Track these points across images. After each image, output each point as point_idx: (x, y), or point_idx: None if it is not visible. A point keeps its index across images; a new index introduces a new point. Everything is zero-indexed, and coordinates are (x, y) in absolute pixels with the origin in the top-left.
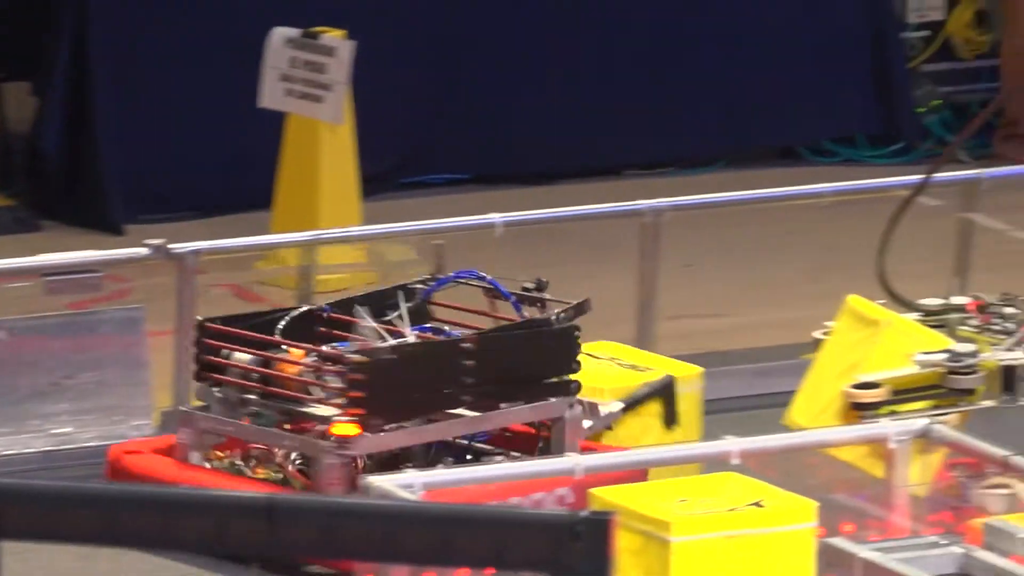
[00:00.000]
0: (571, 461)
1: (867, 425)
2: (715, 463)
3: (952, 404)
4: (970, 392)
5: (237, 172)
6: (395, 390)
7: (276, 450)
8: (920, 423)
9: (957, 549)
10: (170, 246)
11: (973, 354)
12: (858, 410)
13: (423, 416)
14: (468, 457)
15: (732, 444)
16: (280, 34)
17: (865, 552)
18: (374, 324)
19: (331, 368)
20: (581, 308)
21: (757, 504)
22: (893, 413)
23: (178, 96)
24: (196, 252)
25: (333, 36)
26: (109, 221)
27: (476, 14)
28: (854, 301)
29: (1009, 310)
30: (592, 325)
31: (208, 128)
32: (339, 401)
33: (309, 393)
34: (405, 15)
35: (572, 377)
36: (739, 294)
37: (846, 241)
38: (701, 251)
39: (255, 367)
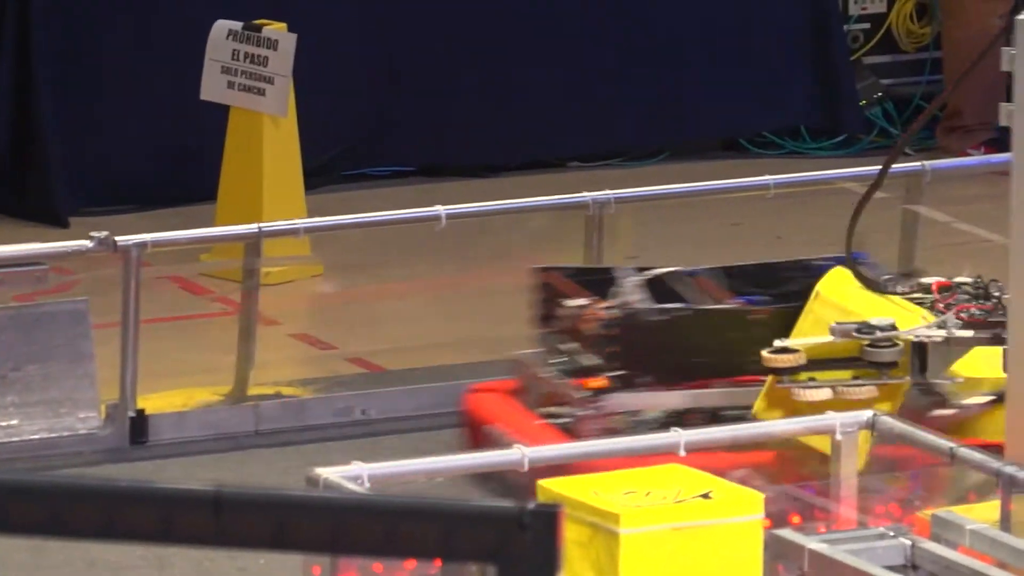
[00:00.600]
0: (518, 453)
1: (814, 417)
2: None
3: (873, 377)
4: (892, 365)
5: (181, 165)
6: (651, 350)
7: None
8: (867, 414)
9: (905, 540)
10: (115, 238)
11: (890, 327)
12: (775, 375)
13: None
14: None
15: (679, 436)
16: (222, 27)
17: (813, 544)
18: (713, 291)
19: (592, 322)
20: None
21: (705, 496)
22: (812, 379)
23: (122, 89)
24: (141, 244)
25: (275, 29)
26: (54, 214)
27: (419, 6)
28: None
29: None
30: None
31: (152, 121)
32: (599, 355)
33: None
34: (348, 7)
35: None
36: None
37: (790, 233)
38: (645, 243)
39: (568, 318)
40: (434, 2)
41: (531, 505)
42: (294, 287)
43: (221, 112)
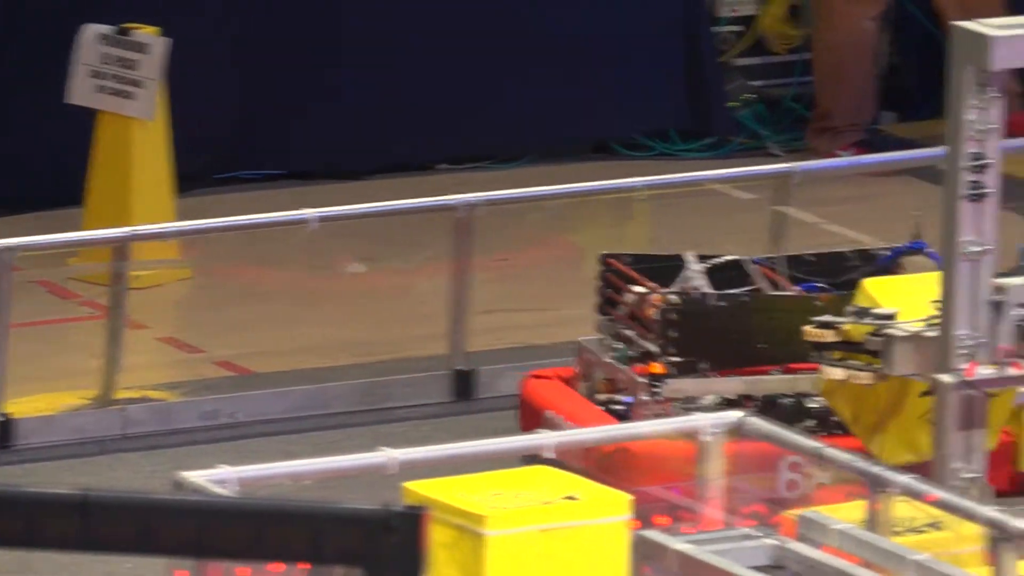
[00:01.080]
0: (384, 456)
1: (681, 418)
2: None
3: (869, 364)
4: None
5: (48, 169)
6: (711, 336)
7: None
8: (734, 416)
9: (771, 541)
10: None
11: (886, 316)
12: (814, 349)
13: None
14: None
15: (547, 438)
16: (92, 31)
17: (679, 544)
18: (775, 279)
19: (653, 308)
20: None
21: (571, 497)
22: (844, 360)
23: None
24: (11, 249)
25: (146, 33)
26: None
27: (291, 11)
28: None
29: None
30: (407, 319)
31: (19, 125)
32: (660, 341)
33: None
34: (220, 12)
35: None
36: (553, 288)
37: (660, 234)
38: (515, 245)
39: (631, 305)
40: (306, 8)
41: (397, 508)
42: (162, 291)
43: (89, 116)
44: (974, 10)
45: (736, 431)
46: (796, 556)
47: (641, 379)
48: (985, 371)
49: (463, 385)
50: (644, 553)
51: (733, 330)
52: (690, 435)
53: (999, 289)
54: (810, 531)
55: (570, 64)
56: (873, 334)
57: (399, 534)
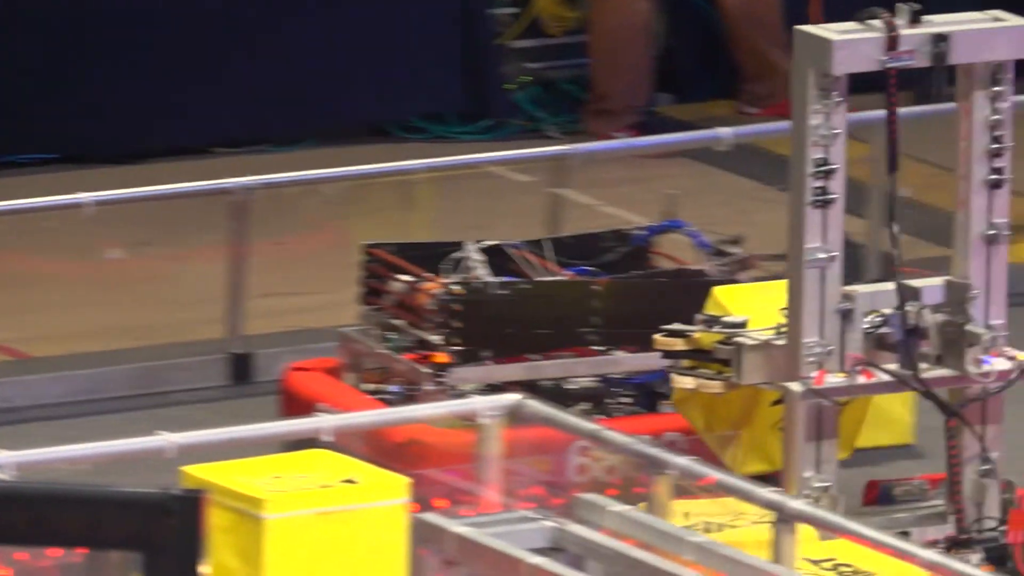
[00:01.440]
0: (163, 440)
1: (458, 401)
2: (307, 440)
3: (719, 372)
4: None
5: None
6: (494, 324)
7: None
8: (511, 398)
9: (549, 523)
10: None
11: (735, 325)
12: (665, 358)
13: (527, 353)
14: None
15: (324, 421)
16: None
17: (457, 527)
18: (536, 261)
19: (433, 297)
20: (743, 264)
21: (349, 481)
22: (694, 368)
23: None
24: None
25: None
26: None
27: None
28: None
29: None
30: (184, 303)
31: None
32: (441, 330)
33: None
34: None
35: None
36: (329, 272)
37: (439, 217)
38: (292, 229)
39: (400, 294)
40: None
41: (175, 491)
42: None
43: None
44: None
45: (514, 414)
46: (574, 538)
47: (425, 369)
48: (834, 379)
49: (240, 369)
50: (423, 536)
51: (514, 317)
52: (467, 418)
53: (847, 296)
54: (588, 513)
55: (347, 47)
56: (722, 342)
57: (177, 518)
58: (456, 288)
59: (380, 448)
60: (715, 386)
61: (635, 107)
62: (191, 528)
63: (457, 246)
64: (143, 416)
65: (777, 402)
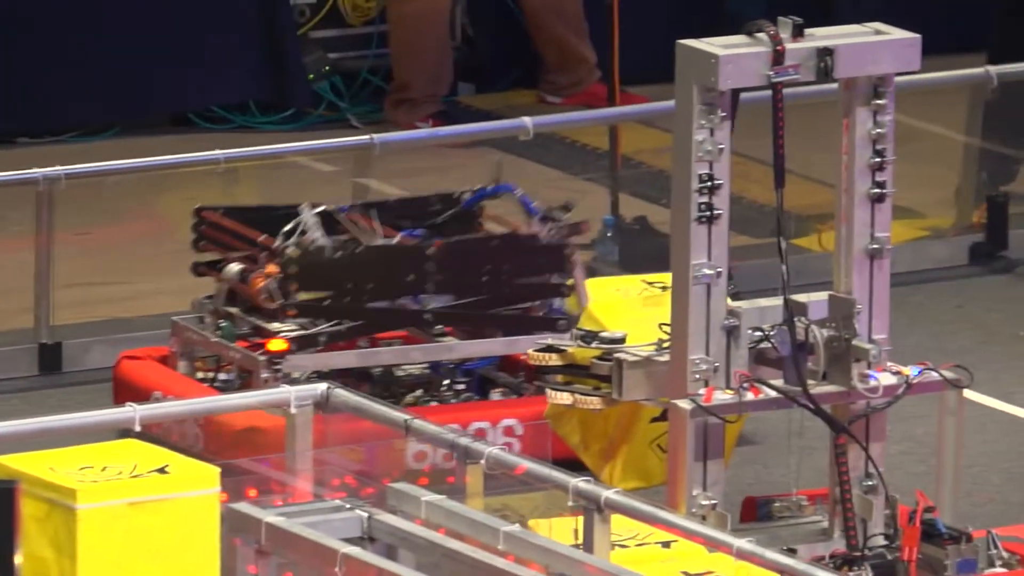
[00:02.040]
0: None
1: (269, 390)
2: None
3: (595, 388)
4: (607, 379)
5: None
6: (333, 287)
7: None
8: (321, 388)
9: (361, 512)
10: None
11: (614, 341)
12: (538, 373)
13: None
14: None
15: (134, 411)
16: None
17: (269, 517)
18: (372, 227)
19: (270, 262)
20: (575, 229)
21: (161, 470)
22: (570, 384)
23: None
24: None
25: None
26: None
27: None
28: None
29: None
30: None
31: None
32: (279, 300)
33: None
34: None
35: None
36: (134, 262)
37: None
38: (95, 219)
39: (232, 279)
40: None
41: None
42: None
43: None
44: None
45: (323, 403)
46: (386, 527)
47: (260, 356)
48: (723, 396)
49: (49, 358)
50: (235, 526)
51: (350, 279)
52: (278, 407)
53: (733, 313)
54: (400, 503)
55: (147, 35)
56: (600, 358)
57: None
58: (292, 251)
59: (218, 436)
60: (593, 402)
61: (436, 97)
62: (4, 518)
63: (291, 209)
64: None
65: (657, 419)
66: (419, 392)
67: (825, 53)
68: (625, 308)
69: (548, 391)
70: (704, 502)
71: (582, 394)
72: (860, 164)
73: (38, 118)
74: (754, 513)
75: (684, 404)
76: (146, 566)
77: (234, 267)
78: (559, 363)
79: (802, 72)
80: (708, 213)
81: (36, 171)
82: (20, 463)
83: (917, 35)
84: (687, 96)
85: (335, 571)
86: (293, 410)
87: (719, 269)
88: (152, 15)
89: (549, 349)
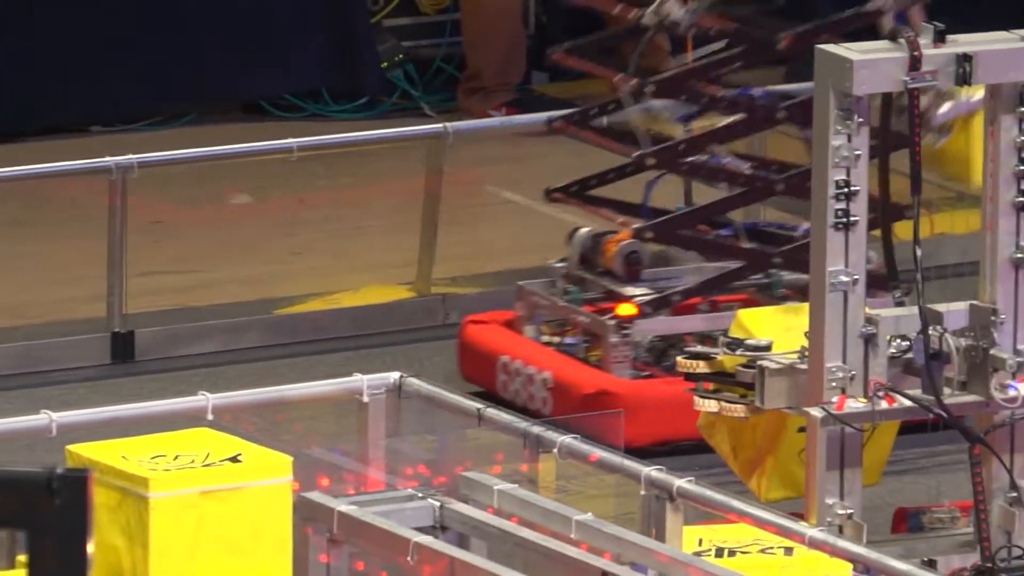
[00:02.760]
0: (46, 418)
1: (341, 379)
2: (191, 418)
3: (742, 396)
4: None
5: None
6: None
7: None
8: (394, 376)
9: (433, 502)
10: None
11: (759, 348)
12: (686, 380)
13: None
14: None
15: (206, 399)
16: None
17: (342, 506)
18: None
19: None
20: None
21: (234, 459)
22: (718, 391)
23: None
24: None
25: None
26: None
27: None
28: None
29: None
30: (65, 281)
31: None
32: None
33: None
34: None
35: None
36: (208, 250)
37: (311, 195)
38: (170, 208)
39: (584, 243)
40: None
41: (60, 470)
42: None
43: None
44: None
45: (396, 391)
46: (459, 517)
47: (608, 320)
48: (855, 405)
49: (122, 347)
50: (307, 515)
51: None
52: (352, 395)
53: (871, 320)
54: (472, 492)
55: (219, 24)
56: (746, 365)
57: (62, 497)
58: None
59: (567, 401)
60: (738, 410)
61: (509, 85)
62: (76, 507)
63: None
64: (22, 395)
65: (803, 429)
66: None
67: (964, 59)
68: (774, 316)
69: (696, 399)
70: (840, 511)
71: (728, 402)
72: (1005, 172)
73: (110, 107)
74: (904, 524)
75: (816, 412)
76: (218, 555)
77: (585, 231)
78: (707, 370)
79: (940, 78)
80: (845, 219)
81: (109, 159)
82: (92, 452)
83: None
84: (824, 101)
85: (407, 560)
86: (366, 399)
87: (856, 276)
88: (225, 4)
89: (697, 356)
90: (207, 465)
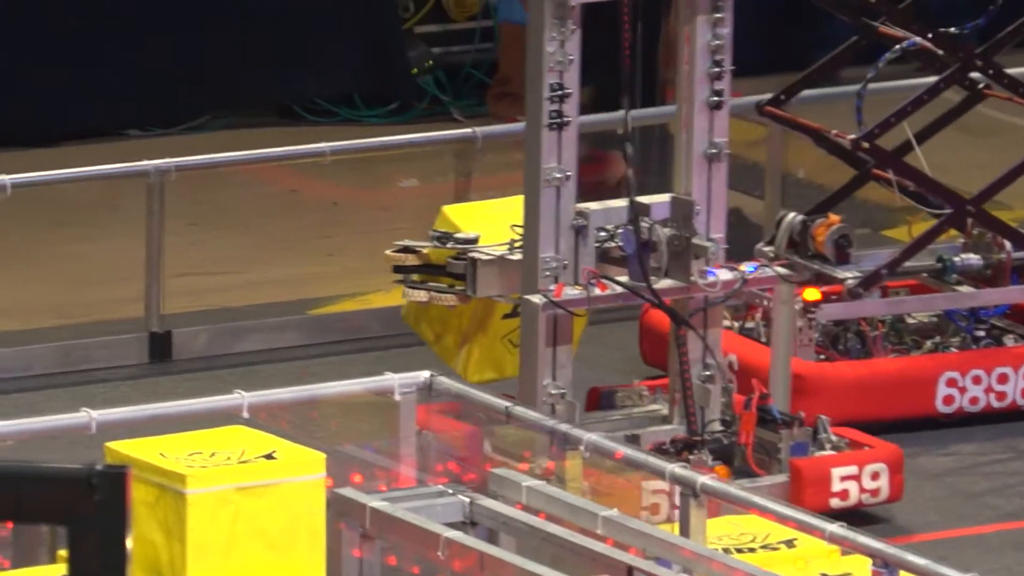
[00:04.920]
0: (86, 416)
1: (374, 378)
2: (226, 416)
3: (451, 286)
4: (462, 277)
5: None
6: None
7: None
8: (424, 375)
9: (463, 498)
10: None
11: (467, 241)
12: (395, 272)
13: None
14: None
15: (242, 398)
16: None
17: (374, 502)
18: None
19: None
20: None
21: (269, 456)
22: (425, 283)
23: None
24: None
25: None
26: None
27: None
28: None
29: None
30: (103, 282)
31: None
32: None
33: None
34: None
35: None
36: (244, 252)
37: (348, 198)
38: (206, 210)
39: (793, 226)
40: None
41: (99, 466)
42: None
43: None
44: None
45: (427, 390)
46: (488, 512)
47: (797, 306)
48: (572, 292)
49: (160, 347)
50: (340, 511)
51: None
52: (382, 394)
53: (581, 213)
54: (501, 488)
55: (251, 29)
56: (455, 258)
57: (102, 492)
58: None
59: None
60: (448, 299)
61: None
62: (116, 503)
63: None
64: (64, 394)
65: (508, 315)
66: (936, 338)
67: None
68: (478, 211)
69: (405, 289)
70: (553, 391)
71: (437, 291)
72: (699, 73)
73: (147, 111)
74: (599, 403)
75: (536, 299)
76: (253, 549)
77: (792, 215)
78: (416, 263)
79: None
80: (558, 120)
81: (147, 163)
82: (131, 448)
83: None
84: (540, 10)
85: (438, 554)
86: (397, 397)
87: (568, 172)
88: (259, 9)
89: (406, 250)
90: (243, 462)
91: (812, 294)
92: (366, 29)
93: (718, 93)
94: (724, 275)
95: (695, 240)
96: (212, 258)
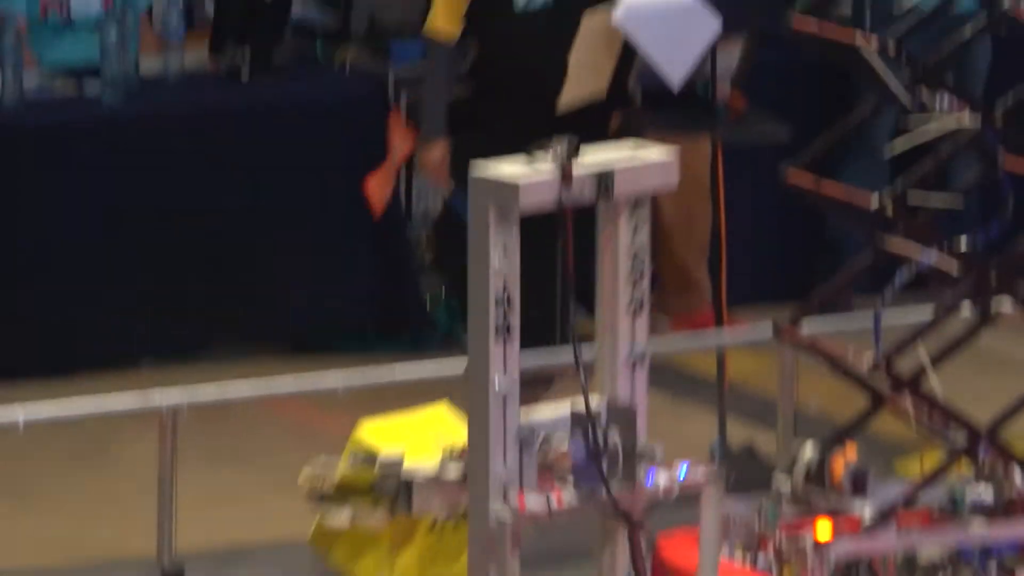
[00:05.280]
0: None
1: None
2: None
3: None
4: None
5: None
6: None
7: None
8: None
9: None
10: None
11: (393, 463)
12: (310, 498)
13: None
14: None
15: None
16: None
17: None
18: None
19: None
20: None
21: None
22: (346, 505)
23: None
24: None
25: None
26: None
27: None
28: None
29: None
30: (115, 518)
31: None
32: None
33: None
34: None
35: None
36: (261, 484)
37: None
38: (218, 446)
39: None
40: None
41: None
42: None
43: None
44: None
45: None
46: None
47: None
48: (535, 501)
49: None
50: None
51: None
52: None
53: (527, 425)
54: None
55: (267, 264)
56: (381, 479)
57: None
58: None
59: None
60: (376, 520)
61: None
62: None
63: None
64: None
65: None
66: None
67: (605, 176)
68: (392, 428)
69: (324, 514)
70: None
71: (363, 514)
72: (622, 276)
73: (160, 342)
74: None
75: (503, 512)
76: None
77: (808, 449)
78: (334, 488)
79: (585, 193)
80: (506, 329)
81: (159, 402)
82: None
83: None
84: (484, 220)
85: None
86: None
87: (514, 381)
88: (273, 244)
89: (322, 477)
90: None
91: (825, 533)
92: (380, 262)
93: (640, 296)
94: (662, 477)
95: (640, 444)
96: (225, 494)
